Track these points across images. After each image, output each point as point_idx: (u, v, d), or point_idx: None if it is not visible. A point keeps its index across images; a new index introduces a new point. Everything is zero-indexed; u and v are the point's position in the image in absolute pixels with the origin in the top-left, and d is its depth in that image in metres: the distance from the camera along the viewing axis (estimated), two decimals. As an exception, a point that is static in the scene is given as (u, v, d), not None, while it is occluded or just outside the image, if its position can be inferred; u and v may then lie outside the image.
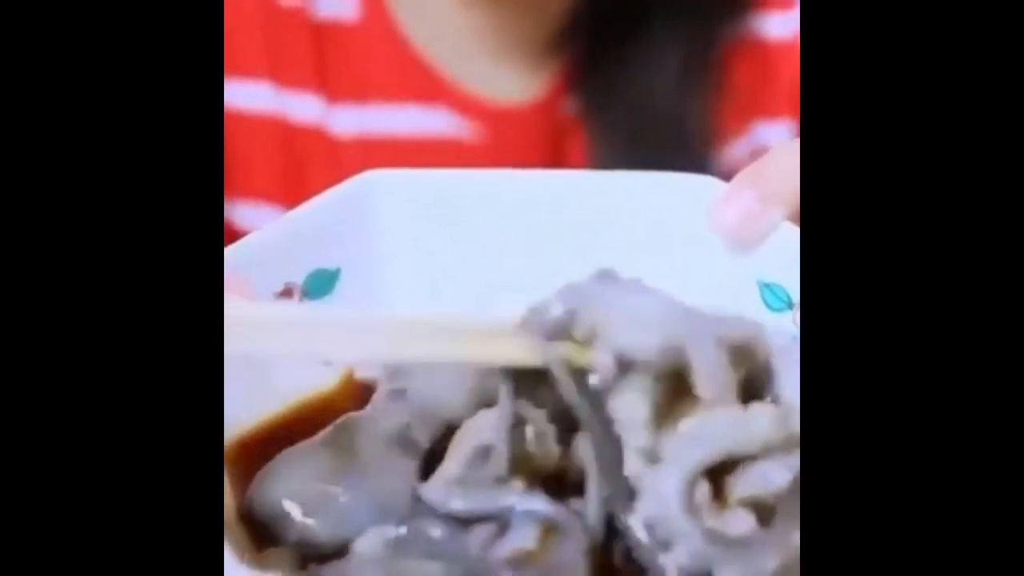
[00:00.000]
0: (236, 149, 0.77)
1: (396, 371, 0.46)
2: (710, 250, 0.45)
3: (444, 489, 0.41)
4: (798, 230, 0.43)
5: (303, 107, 0.78)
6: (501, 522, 0.41)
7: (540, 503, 0.40)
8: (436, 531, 0.40)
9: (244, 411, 0.44)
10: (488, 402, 0.46)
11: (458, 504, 0.40)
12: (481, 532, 0.40)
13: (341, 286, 0.48)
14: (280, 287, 0.47)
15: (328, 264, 0.48)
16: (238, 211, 0.79)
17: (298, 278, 0.47)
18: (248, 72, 0.77)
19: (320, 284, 0.48)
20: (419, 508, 0.41)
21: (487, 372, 0.46)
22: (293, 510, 0.41)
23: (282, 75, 0.77)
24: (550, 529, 0.40)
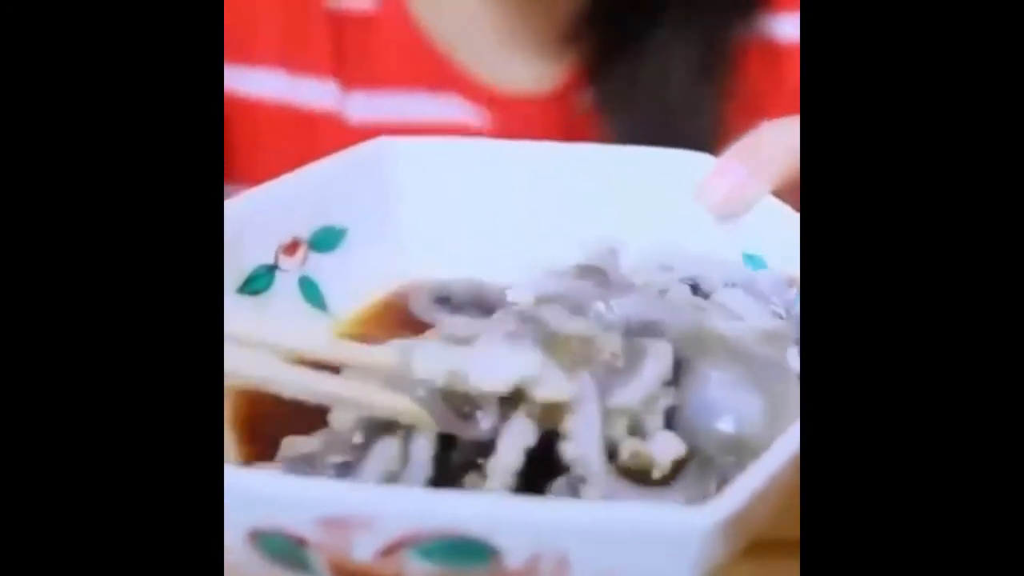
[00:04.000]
0: (250, 136, 0.78)
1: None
2: (701, 222, 0.48)
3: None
4: (780, 203, 0.45)
5: (319, 94, 0.79)
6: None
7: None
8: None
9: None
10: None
11: None
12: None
13: (347, 245, 0.50)
14: (288, 240, 0.49)
15: (336, 223, 0.50)
16: None
17: (305, 233, 0.49)
18: (264, 60, 0.78)
19: (326, 240, 0.50)
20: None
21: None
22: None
23: (298, 63, 0.79)
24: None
